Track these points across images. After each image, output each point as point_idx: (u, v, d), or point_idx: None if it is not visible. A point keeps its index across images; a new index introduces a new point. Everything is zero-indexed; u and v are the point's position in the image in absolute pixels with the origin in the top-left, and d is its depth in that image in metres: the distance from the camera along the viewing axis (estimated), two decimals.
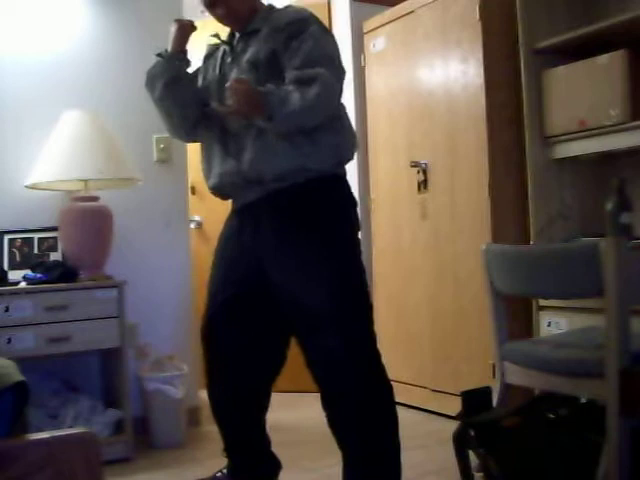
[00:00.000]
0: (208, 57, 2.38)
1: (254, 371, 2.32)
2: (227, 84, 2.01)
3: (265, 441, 2.41)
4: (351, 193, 2.25)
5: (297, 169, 2.09)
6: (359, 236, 2.23)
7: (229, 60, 2.26)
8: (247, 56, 2.18)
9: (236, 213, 2.28)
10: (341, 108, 2.22)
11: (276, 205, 2.14)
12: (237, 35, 2.27)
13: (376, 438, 2.15)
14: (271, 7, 2.30)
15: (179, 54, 2.28)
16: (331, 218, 2.16)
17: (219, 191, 2.27)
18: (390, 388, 2.20)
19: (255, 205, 2.18)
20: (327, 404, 2.17)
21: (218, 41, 2.32)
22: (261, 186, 2.14)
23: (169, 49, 2.27)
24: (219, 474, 2.43)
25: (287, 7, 2.31)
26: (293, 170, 2.09)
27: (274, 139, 2.07)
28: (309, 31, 2.11)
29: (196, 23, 2.33)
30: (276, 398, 3.93)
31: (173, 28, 2.28)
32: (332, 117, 2.14)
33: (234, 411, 2.36)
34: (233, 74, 2.18)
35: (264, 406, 2.40)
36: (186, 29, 2.27)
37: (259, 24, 2.20)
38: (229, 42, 2.29)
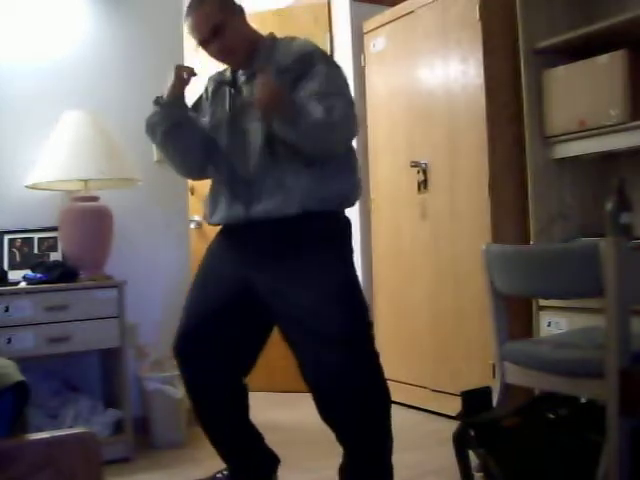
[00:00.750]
0: (215, 93, 2.30)
1: (230, 378, 2.34)
2: (257, 80, 2.00)
3: (257, 439, 2.42)
4: (346, 228, 2.26)
5: (302, 212, 2.11)
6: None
7: (239, 104, 2.20)
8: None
9: (229, 231, 2.28)
10: (352, 148, 2.24)
11: (275, 231, 2.15)
12: (240, 73, 2.21)
13: (372, 443, 2.20)
14: (273, 38, 2.24)
15: (177, 101, 2.21)
16: (329, 240, 2.18)
17: (219, 225, 2.30)
18: (388, 400, 2.23)
19: (252, 227, 2.18)
20: (325, 410, 2.19)
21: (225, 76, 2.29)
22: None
23: (166, 95, 2.20)
24: (219, 475, 2.43)
25: (290, 41, 2.22)
26: (299, 214, 2.11)
27: (289, 185, 2.09)
28: (317, 68, 2.08)
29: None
30: (276, 398, 3.94)
31: (173, 74, 2.20)
32: (345, 154, 2.17)
33: (219, 418, 2.36)
34: (246, 118, 2.15)
35: (245, 405, 2.40)
36: (186, 76, 2.20)
37: (264, 62, 2.14)
38: (232, 82, 2.23)
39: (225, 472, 2.42)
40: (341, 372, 2.09)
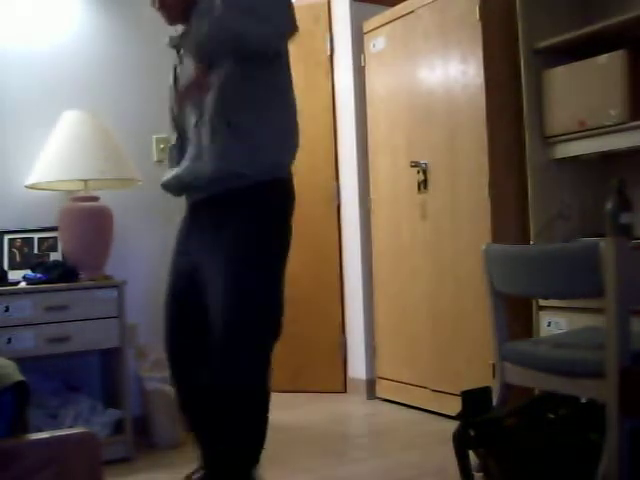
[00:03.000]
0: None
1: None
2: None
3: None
4: (284, 204, 2.14)
5: (227, 176, 2.02)
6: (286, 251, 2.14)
7: (178, 66, 2.22)
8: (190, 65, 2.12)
9: (187, 211, 2.26)
10: (284, 91, 2.13)
11: (210, 209, 2.11)
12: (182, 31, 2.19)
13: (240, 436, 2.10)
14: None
15: None
16: (253, 231, 2.07)
17: (166, 190, 2.27)
18: (257, 399, 2.11)
19: (196, 207, 2.18)
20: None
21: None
22: (198, 191, 2.12)
23: None
24: (195, 476, 2.32)
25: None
26: (223, 177, 2.03)
27: (205, 145, 2.03)
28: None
29: None
30: (276, 398, 3.93)
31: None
32: (267, 112, 2.06)
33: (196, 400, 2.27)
34: (183, 80, 2.15)
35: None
36: None
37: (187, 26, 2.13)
38: (176, 45, 2.24)
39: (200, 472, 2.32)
40: (221, 358, 2.04)
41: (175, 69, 2.27)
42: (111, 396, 3.06)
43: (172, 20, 2.21)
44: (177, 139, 2.22)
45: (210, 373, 2.08)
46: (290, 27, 2.12)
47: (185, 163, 2.10)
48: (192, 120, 2.11)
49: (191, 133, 2.11)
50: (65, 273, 2.89)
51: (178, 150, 2.19)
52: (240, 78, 2.03)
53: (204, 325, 2.13)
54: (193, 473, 2.37)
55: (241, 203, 2.06)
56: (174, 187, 2.20)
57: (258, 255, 2.06)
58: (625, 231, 2.58)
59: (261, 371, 2.09)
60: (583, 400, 2.04)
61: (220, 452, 2.13)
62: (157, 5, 2.18)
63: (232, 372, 2.05)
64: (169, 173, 2.20)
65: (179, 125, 2.21)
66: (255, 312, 2.05)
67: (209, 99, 2.04)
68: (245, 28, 1.97)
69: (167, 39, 2.28)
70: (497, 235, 3.08)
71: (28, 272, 2.92)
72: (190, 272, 2.20)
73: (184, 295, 2.24)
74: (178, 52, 2.26)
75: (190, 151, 2.09)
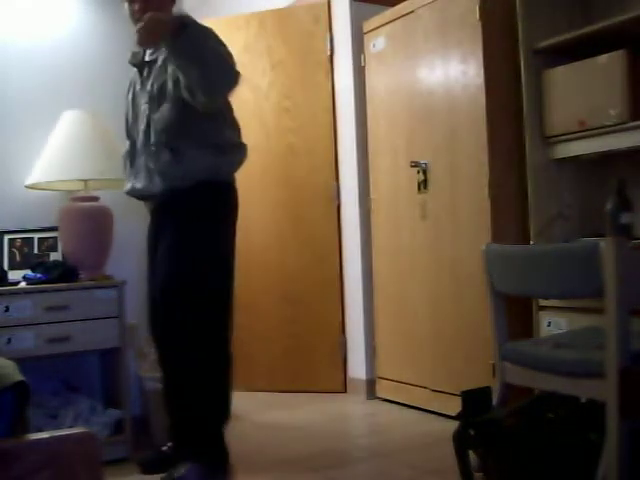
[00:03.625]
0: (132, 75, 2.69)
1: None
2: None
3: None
4: (213, 202, 2.52)
5: (170, 189, 2.47)
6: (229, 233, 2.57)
7: (138, 86, 2.56)
8: (148, 86, 2.52)
9: (150, 214, 2.68)
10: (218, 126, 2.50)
11: (162, 210, 2.55)
12: (147, 54, 2.51)
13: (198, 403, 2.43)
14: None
15: None
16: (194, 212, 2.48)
17: (130, 196, 2.68)
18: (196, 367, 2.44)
19: (154, 210, 2.62)
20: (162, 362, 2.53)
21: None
22: (153, 199, 2.59)
23: None
24: (164, 448, 2.61)
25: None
26: (167, 190, 2.48)
27: (152, 168, 2.48)
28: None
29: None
30: (276, 398, 3.94)
31: None
32: (207, 129, 2.47)
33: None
34: (141, 100, 2.53)
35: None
36: None
37: (157, 52, 2.46)
38: (140, 64, 2.55)
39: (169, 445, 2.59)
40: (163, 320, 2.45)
41: (134, 86, 2.61)
42: (111, 396, 3.06)
43: (145, 44, 2.38)
44: (131, 146, 2.61)
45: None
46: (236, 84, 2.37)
47: (141, 182, 2.55)
48: (140, 135, 2.52)
49: (140, 145, 2.53)
50: (65, 273, 2.89)
51: (131, 157, 2.61)
52: (183, 113, 2.40)
53: None
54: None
55: (179, 204, 2.49)
56: (137, 197, 2.66)
57: (191, 241, 2.47)
58: (625, 231, 2.58)
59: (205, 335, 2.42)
60: (583, 400, 2.04)
61: (182, 418, 2.46)
62: (138, 7, 2.43)
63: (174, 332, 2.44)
64: (129, 182, 2.63)
65: (131, 135, 2.61)
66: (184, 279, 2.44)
67: (156, 128, 2.46)
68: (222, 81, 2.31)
69: (129, 55, 2.61)
70: (497, 235, 3.08)
71: (28, 272, 2.92)
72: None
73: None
74: (140, 71, 2.54)
75: (142, 171, 2.54)
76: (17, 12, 3.17)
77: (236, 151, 2.58)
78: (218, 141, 2.49)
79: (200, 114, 2.38)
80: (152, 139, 2.47)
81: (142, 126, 2.51)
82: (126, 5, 2.42)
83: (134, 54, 2.58)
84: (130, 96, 2.63)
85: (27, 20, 3.19)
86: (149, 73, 2.51)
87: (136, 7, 2.39)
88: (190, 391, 2.41)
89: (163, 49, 2.38)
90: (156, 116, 2.45)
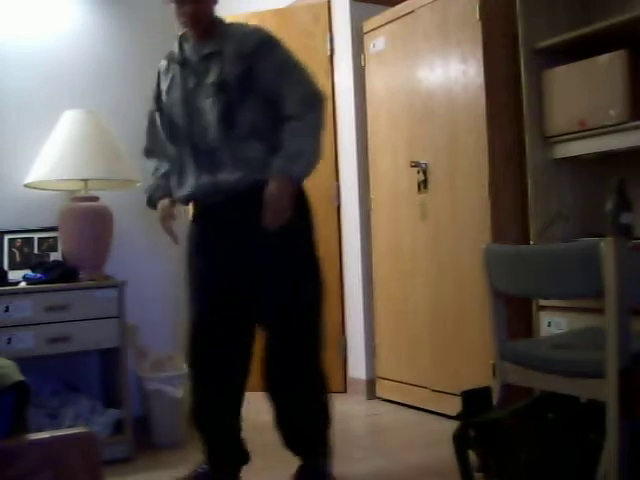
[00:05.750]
0: (166, 72, 2.44)
1: (236, 371, 2.42)
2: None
3: (240, 431, 2.50)
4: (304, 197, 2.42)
5: (264, 180, 2.24)
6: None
7: (192, 83, 2.34)
8: (211, 78, 2.29)
9: (200, 216, 2.43)
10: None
11: (238, 206, 2.30)
12: (193, 56, 2.35)
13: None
14: (221, 21, 2.39)
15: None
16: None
17: (190, 200, 2.44)
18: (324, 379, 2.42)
19: (219, 206, 2.34)
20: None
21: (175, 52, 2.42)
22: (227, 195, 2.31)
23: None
24: (200, 470, 2.45)
25: (243, 26, 2.41)
26: (262, 181, 2.24)
27: (248, 156, 2.28)
28: (279, 49, 2.34)
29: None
30: None
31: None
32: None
33: (221, 410, 2.42)
34: (199, 96, 2.30)
35: (242, 400, 2.49)
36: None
37: (219, 45, 2.31)
38: (182, 61, 2.37)
39: (204, 466, 2.46)
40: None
41: (178, 85, 2.37)
42: (111, 396, 3.06)
43: (197, 35, 2.35)
44: (182, 147, 2.36)
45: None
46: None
47: (224, 174, 2.29)
48: (212, 134, 2.29)
49: (211, 141, 2.30)
50: (65, 273, 2.89)
51: (184, 157, 2.36)
52: (263, 114, 2.32)
53: (232, 310, 2.35)
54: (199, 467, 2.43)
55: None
56: (204, 194, 2.35)
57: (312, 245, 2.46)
58: (625, 231, 2.58)
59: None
60: (583, 400, 2.04)
61: (306, 429, 2.42)
62: (190, 20, 2.30)
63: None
64: (187, 185, 2.36)
65: (180, 137, 2.37)
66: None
67: (245, 117, 2.29)
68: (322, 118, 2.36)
69: (169, 53, 2.44)
70: (497, 235, 3.08)
71: (28, 272, 2.92)
72: (218, 268, 2.35)
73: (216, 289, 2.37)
74: (192, 68, 2.36)
75: (227, 155, 2.28)
76: (17, 12, 3.17)
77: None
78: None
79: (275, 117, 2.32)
80: (238, 129, 2.28)
81: (213, 118, 2.28)
82: (173, 6, 2.29)
83: (173, 53, 2.43)
84: (176, 96, 2.37)
85: (27, 20, 3.19)
86: (207, 66, 2.31)
87: (187, 9, 2.26)
88: (314, 405, 2.42)
89: (222, 39, 2.32)
90: (243, 107, 2.28)
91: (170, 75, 2.41)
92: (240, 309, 2.36)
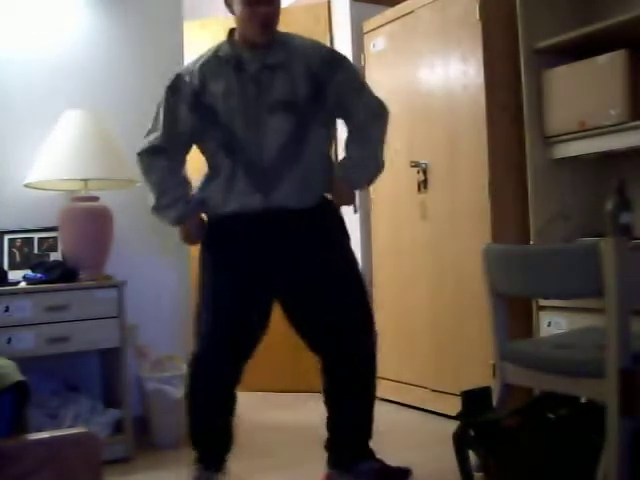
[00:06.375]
0: (216, 76, 2.27)
1: (237, 372, 2.37)
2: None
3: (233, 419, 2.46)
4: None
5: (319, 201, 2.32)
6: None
7: (252, 92, 2.22)
8: (278, 95, 2.22)
9: (236, 233, 2.30)
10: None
11: (309, 217, 2.31)
12: (253, 63, 2.24)
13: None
14: (278, 31, 2.31)
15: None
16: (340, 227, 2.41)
17: (234, 218, 2.29)
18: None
19: (271, 217, 2.27)
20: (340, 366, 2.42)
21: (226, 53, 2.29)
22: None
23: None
24: (195, 474, 2.37)
25: (302, 39, 2.36)
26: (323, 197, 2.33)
27: (308, 178, 2.26)
28: (346, 63, 2.40)
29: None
30: (276, 398, 3.94)
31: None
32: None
33: (219, 406, 2.38)
34: (261, 110, 2.22)
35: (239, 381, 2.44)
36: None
37: (282, 57, 2.25)
38: (238, 65, 2.25)
39: (195, 469, 2.37)
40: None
41: (236, 93, 2.24)
42: (111, 396, 3.06)
43: (266, 39, 2.27)
44: (237, 159, 2.24)
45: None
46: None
47: (278, 196, 2.23)
48: (272, 152, 2.23)
49: (273, 161, 2.23)
50: (65, 273, 2.89)
51: (249, 178, 2.24)
52: (327, 131, 2.40)
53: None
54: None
55: (331, 216, 2.41)
56: (251, 211, 2.26)
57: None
58: (625, 231, 2.58)
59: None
60: (583, 400, 2.04)
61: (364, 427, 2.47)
62: (264, 22, 2.22)
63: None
64: (234, 201, 2.26)
65: (233, 148, 2.24)
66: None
67: (315, 135, 2.29)
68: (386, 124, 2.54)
69: (221, 50, 2.31)
70: (497, 235, 3.08)
71: (28, 272, 2.92)
72: (264, 290, 2.34)
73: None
74: (239, 71, 2.25)
75: (285, 177, 2.23)
76: (19, 13, 3.17)
77: None
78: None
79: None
80: (302, 152, 2.25)
81: (279, 136, 2.22)
82: (245, 8, 2.20)
83: (219, 53, 2.30)
84: (234, 103, 2.24)
85: (28, 21, 3.18)
86: (271, 78, 2.23)
87: (262, 10, 2.18)
88: (371, 403, 2.47)
89: (285, 51, 2.27)
90: (310, 129, 2.26)
91: (223, 77, 2.25)
92: (262, 327, 2.35)
